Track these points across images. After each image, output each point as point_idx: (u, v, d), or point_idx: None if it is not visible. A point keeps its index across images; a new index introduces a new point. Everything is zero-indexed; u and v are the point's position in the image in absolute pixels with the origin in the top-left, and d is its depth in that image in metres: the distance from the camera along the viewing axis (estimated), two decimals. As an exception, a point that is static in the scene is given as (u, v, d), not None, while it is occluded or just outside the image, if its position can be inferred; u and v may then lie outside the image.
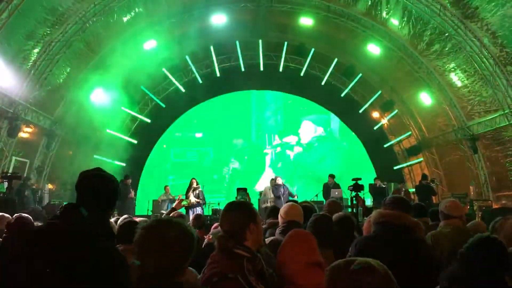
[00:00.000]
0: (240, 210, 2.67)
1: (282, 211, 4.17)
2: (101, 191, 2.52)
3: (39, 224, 4.99)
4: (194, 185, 13.59)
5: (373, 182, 15.32)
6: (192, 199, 13.24)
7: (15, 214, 5.17)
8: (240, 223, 2.57)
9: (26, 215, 4.61)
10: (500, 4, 11.16)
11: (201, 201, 13.52)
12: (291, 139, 17.24)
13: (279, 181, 13.44)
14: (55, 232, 2.14)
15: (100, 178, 2.58)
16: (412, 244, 3.25)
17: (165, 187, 14.94)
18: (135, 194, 15.94)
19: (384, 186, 14.90)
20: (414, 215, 4.74)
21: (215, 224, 6.30)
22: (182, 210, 5.68)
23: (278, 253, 2.70)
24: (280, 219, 4.16)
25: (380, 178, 15.47)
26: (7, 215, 5.38)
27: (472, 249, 2.66)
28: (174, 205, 6.08)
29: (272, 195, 13.75)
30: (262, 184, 15.69)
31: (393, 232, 3.26)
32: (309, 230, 3.33)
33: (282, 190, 13.23)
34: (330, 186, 14.41)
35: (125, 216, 5.67)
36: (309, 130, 17.40)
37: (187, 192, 13.47)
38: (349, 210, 9.53)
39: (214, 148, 17.41)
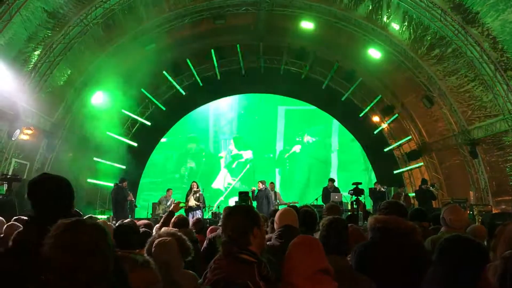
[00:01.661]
0: (243, 214, 2.63)
1: (276, 216, 4.15)
2: (57, 194, 2.46)
3: None
4: (195, 188, 13.62)
5: (372, 187, 15.34)
6: (193, 202, 13.26)
7: (14, 217, 5.17)
8: (244, 227, 2.54)
9: (25, 218, 4.59)
10: (501, 10, 11.17)
11: (201, 205, 13.55)
12: (254, 147, 18.89)
13: (260, 186, 13.73)
14: None
15: (51, 181, 2.51)
16: (409, 249, 3.24)
17: (168, 190, 14.93)
18: (135, 197, 15.94)
19: (384, 190, 14.90)
20: (412, 219, 4.75)
21: (211, 227, 6.30)
22: (182, 213, 5.65)
23: (285, 260, 2.67)
24: (275, 224, 4.14)
25: (380, 182, 15.48)
26: (1, 218, 5.38)
27: (441, 250, 2.67)
28: (171, 208, 6.07)
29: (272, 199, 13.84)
30: (218, 182, 18.10)
31: (389, 238, 3.25)
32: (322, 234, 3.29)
33: (259, 194, 13.59)
34: (330, 190, 14.42)
35: (127, 220, 5.67)
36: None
37: (188, 195, 13.50)
38: (349, 214, 9.55)
39: (176, 152, 18.99)
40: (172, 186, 15.53)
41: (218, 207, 15.84)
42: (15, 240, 2.32)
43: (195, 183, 13.86)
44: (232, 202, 16.68)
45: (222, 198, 16.07)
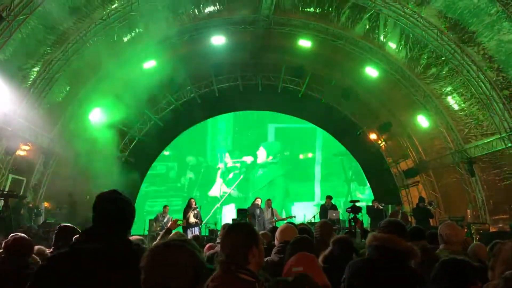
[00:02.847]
0: (242, 232, 2.58)
1: (277, 232, 4.17)
2: (119, 213, 2.51)
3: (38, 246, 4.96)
4: (193, 205, 13.56)
5: (371, 204, 15.33)
6: (192, 219, 13.21)
7: (11, 234, 5.14)
8: (243, 245, 2.49)
9: (22, 235, 4.55)
10: (496, 30, 11.32)
11: (198, 221, 13.50)
12: (247, 159, 19.42)
13: (257, 201, 13.71)
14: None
15: (118, 200, 2.58)
16: (403, 270, 3.24)
17: (164, 206, 14.87)
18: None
19: (382, 208, 14.89)
20: (411, 238, 4.74)
21: (209, 245, 6.27)
22: (179, 230, 5.62)
23: (283, 275, 2.66)
24: (276, 241, 4.15)
25: (377, 200, 15.47)
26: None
27: (436, 274, 2.74)
28: (168, 225, 6.03)
29: (268, 216, 13.78)
30: (215, 190, 18.96)
31: (385, 256, 3.26)
32: None
33: (258, 211, 13.43)
34: (327, 207, 14.38)
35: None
36: (261, 154, 19.56)
37: (187, 212, 13.42)
38: (346, 231, 9.52)
39: (177, 163, 19.70)
40: (174, 194, 17.64)
41: (215, 224, 15.77)
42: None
43: (193, 200, 13.80)
44: (227, 209, 17.50)
45: (218, 205, 16.73)
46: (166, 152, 19.04)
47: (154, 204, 17.74)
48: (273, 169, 19.38)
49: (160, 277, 1.85)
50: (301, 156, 19.08)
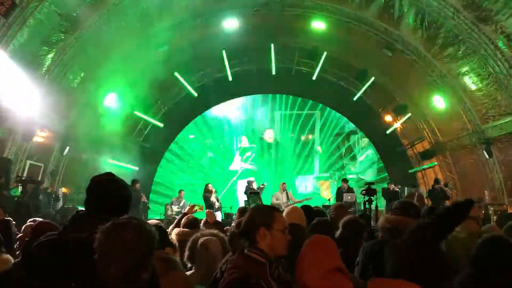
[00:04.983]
0: (255, 212, 2.68)
1: (284, 215, 4.17)
2: (115, 197, 2.51)
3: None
4: (210, 188, 13.85)
5: (386, 186, 15.27)
6: (217, 203, 13.61)
7: (30, 219, 5.22)
8: (252, 224, 2.56)
9: (48, 221, 4.63)
10: (515, 7, 11.05)
11: (219, 205, 13.90)
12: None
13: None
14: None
15: (113, 183, 2.58)
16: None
17: (180, 191, 15.03)
18: (148, 198, 16.04)
19: (398, 190, 14.83)
20: (425, 219, 4.70)
21: (225, 228, 6.30)
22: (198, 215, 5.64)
23: (299, 260, 2.66)
24: None
25: (393, 182, 15.40)
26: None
27: (482, 250, 2.66)
28: (186, 210, 6.05)
29: (284, 200, 13.85)
30: (234, 165, 20.06)
31: (398, 238, 3.23)
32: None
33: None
34: (343, 190, 14.40)
35: (154, 221, 5.69)
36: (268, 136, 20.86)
37: (208, 197, 13.67)
38: (361, 213, 9.49)
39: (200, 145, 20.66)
40: (198, 170, 19.43)
41: (231, 208, 15.91)
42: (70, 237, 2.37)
43: (210, 185, 14.07)
44: (241, 183, 18.23)
45: (234, 178, 18.82)
46: (191, 136, 19.84)
47: (182, 178, 19.22)
48: (282, 147, 20.48)
49: (110, 257, 1.92)
50: (302, 138, 20.12)
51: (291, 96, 19.53)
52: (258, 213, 2.64)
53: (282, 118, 20.38)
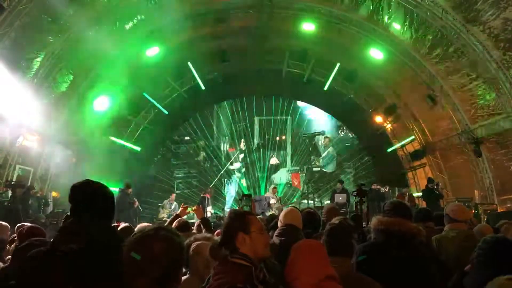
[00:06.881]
0: (230, 219, 2.65)
1: (281, 215, 4.18)
2: (96, 202, 2.50)
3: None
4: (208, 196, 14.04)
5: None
6: (209, 213, 13.73)
7: (18, 224, 5.18)
8: (230, 232, 2.56)
9: (34, 225, 4.62)
10: (502, 8, 11.13)
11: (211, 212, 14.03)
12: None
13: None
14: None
15: (91, 188, 2.56)
16: (411, 252, 3.22)
17: (171, 194, 15.03)
18: (140, 200, 15.96)
19: (386, 190, 14.90)
20: (418, 220, 4.72)
21: (217, 231, 6.28)
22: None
23: (289, 267, 2.63)
24: (279, 223, 4.16)
25: (383, 183, 15.47)
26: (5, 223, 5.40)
27: (485, 250, 2.68)
28: (179, 211, 6.01)
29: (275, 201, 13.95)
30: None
31: (391, 240, 3.24)
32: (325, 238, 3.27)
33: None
34: (337, 191, 14.54)
35: (125, 224, 5.66)
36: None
37: (205, 206, 13.80)
38: (353, 214, 9.51)
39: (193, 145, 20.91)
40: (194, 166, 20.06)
41: (222, 210, 15.94)
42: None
43: (207, 194, 14.27)
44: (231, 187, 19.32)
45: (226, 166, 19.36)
46: (186, 138, 20.21)
47: (179, 172, 20.05)
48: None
49: (137, 268, 1.91)
50: (277, 138, 20.94)
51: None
52: (233, 220, 2.63)
53: (260, 123, 21.16)
